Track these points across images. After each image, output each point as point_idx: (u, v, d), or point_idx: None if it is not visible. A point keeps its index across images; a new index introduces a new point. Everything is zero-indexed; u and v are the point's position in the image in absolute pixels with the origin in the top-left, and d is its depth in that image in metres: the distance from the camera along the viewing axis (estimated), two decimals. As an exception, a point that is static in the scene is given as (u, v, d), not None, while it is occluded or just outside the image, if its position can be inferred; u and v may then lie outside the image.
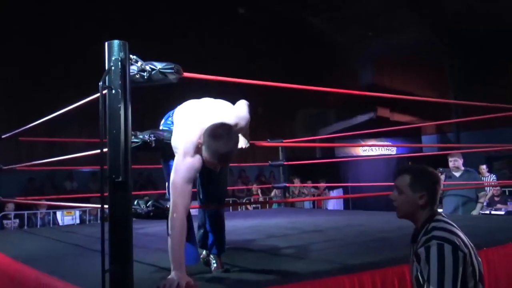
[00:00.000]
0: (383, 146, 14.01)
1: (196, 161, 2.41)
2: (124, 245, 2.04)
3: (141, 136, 2.49)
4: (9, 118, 10.22)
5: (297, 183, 10.73)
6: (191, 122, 2.49)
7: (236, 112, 2.69)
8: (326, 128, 14.93)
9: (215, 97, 2.85)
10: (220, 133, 2.30)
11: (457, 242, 1.87)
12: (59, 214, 8.74)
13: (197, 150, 2.40)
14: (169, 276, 2.19)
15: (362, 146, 14.27)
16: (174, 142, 2.49)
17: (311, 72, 14.18)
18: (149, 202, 2.35)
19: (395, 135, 13.35)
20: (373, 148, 14.69)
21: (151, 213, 2.34)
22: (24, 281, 3.13)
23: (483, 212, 7.64)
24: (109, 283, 2.04)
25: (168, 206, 2.32)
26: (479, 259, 1.98)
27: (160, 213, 2.37)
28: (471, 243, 1.97)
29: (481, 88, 13.04)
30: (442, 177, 6.04)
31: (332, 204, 11.95)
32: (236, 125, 2.57)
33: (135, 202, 2.39)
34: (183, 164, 2.38)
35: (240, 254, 3.32)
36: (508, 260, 3.48)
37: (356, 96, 14.01)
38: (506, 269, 3.42)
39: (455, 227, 1.99)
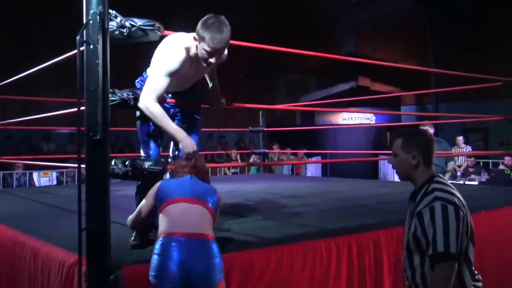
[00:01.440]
0: (361, 112, 14.09)
1: (181, 53, 2.57)
2: (101, 204, 2.03)
3: (119, 94, 2.43)
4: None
5: (276, 149, 10.76)
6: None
7: None
8: (307, 95, 14.89)
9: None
10: (211, 21, 2.46)
11: (457, 203, 1.98)
12: (35, 175, 8.64)
13: (187, 50, 2.58)
14: (183, 143, 2.53)
15: (342, 111, 14.36)
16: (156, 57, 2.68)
17: (292, 41, 13.98)
18: (127, 162, 2.31)
19: (375, 105, 13.40)
20: (353, 117, 14.74)
21: (129, 173, 2.31)
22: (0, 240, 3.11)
23: (457, 182, 7.83)
24: (85, 241, 2.03)
25: (145, 167, 2.29)
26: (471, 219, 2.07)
27: (138, 173, 2.34)
28: (465, 203, 2.06)
29: (463, 61, 13.09)
30: None
31: (310, 171, 12.09)
32: None
33: (112, 162, 2.35)
34: (169, 55, 2.55)
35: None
36: (480, 227, 3.57)
37: (338, 64, 13.98)
38: (479, 235, 3.51)
39: (453, 188, 2.08)
